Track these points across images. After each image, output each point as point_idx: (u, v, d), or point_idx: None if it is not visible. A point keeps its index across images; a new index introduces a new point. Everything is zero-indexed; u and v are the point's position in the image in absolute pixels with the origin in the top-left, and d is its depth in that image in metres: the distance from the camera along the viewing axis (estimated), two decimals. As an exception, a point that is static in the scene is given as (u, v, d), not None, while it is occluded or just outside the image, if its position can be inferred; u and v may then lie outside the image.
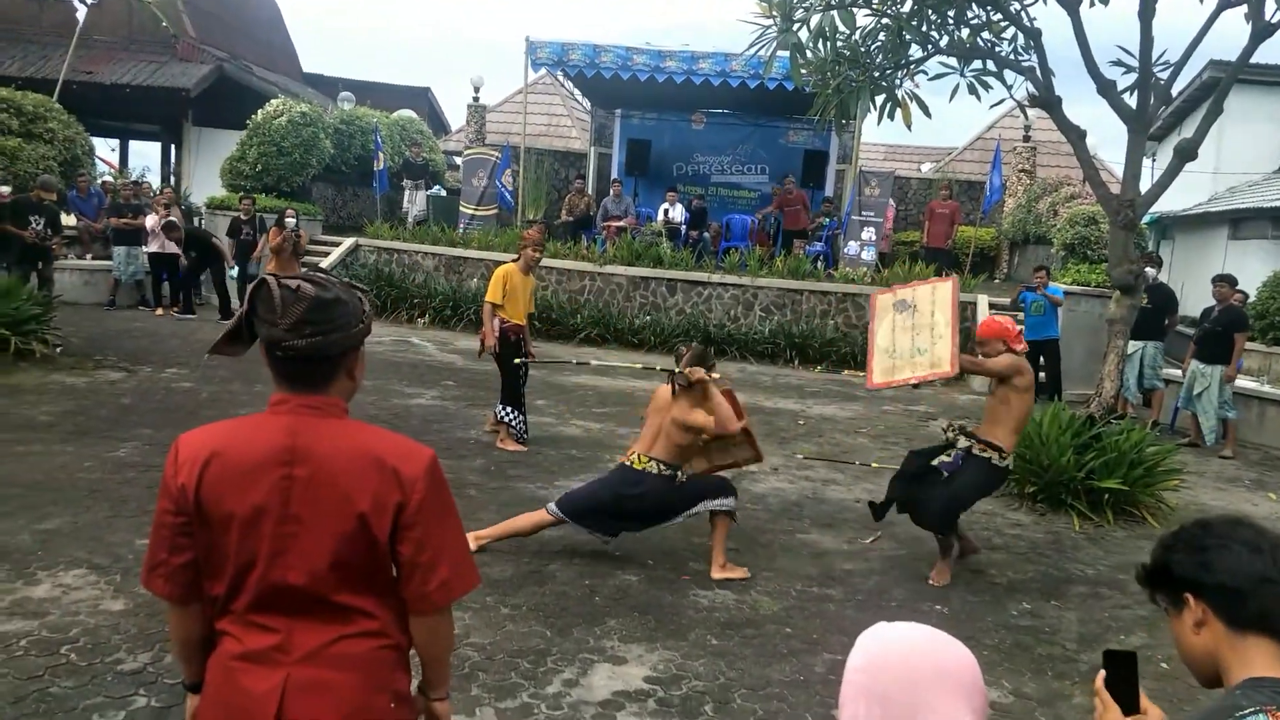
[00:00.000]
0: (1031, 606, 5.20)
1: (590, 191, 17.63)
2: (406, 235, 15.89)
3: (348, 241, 15.75)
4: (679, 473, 5.25)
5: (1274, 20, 6.76)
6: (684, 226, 15.75)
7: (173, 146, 21.27)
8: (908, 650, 1.30)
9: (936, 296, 5.48)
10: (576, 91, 20.51)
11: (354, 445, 1.81)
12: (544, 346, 12.46)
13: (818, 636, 4.59)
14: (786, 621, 4.75)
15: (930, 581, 5.42)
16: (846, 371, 12.90)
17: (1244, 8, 6.98)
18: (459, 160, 18.99)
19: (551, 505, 5.33)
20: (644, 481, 5.18)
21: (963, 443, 5.44)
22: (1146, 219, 10.48)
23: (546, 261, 11.13)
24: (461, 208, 16.76)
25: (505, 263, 7.85)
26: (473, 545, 5.19)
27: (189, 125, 19.87)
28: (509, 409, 7.67)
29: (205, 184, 16.87)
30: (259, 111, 16.58)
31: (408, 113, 22.48)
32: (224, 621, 1.85)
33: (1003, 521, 6.74)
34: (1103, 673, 1.66)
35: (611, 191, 16.54)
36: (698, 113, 18.65)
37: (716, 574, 5.23)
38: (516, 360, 7.61)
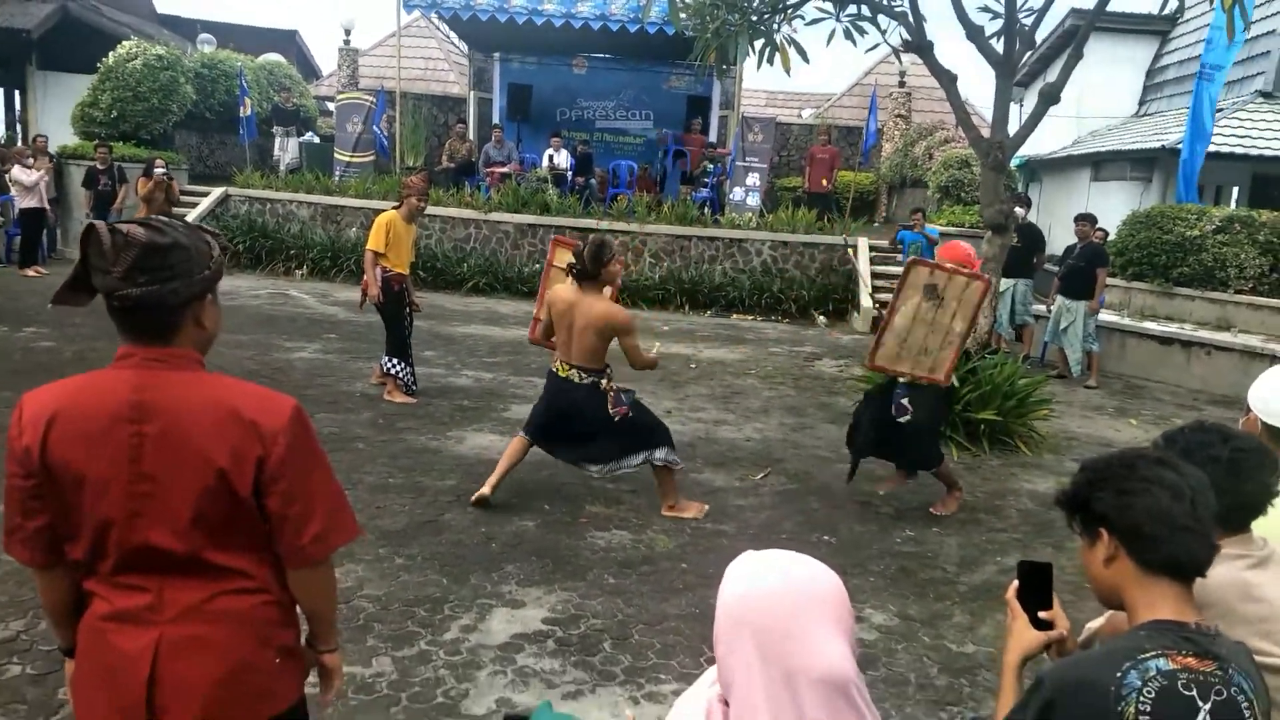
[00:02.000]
0: (914, 533, 5.42)
1: (472, 137, 17.21)
2: (279, 184, 15.22)
3: (216, 191, 14.99)
4: (603, 379, 5.15)
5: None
6: (570, 173, 15.55)
7: (16, 92, 19.75)
8: (780, 578, 1.28)
9: (965, 296, 5.36)
10: (453, 35, 19.89)
11: (208, 398, 1.73)
12: (430, 297, 12.19)
13: (713, 571, 4.65)
14: (682, 558, 4.83)
15: (936, 510, 5.69)
16: (735, 315, 13.07)
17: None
18: (331, 106, 18.24)
19: (521, 430, 5.37)
20: (571, 390, 5.13)
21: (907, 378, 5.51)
22: (1015, 162, 10.87)
23: (429, 209, 10.85)
24: (336, 155, 16.14)
25: (385, 210, 7.61)
26: (486, 492, 5.25)
27: (33, 69, 18.41)
28: (395, 360, 7.49)
29: (55, 132, 15.69)
30: (110, 54, 15.52)
31: (275, 57, 21.39)
32: (92, 582, 1.78)
33: (886, 454, 6.98)
34: (1015, 583, 1.72)
35: (493, 137, 16.18)
36: (579, 57, 18.36)
37: (666, 511, 5.36)
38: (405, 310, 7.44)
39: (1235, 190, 13.53)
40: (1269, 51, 13.50)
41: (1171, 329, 10.66)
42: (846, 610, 1.30)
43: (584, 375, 5.11)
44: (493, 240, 14.13)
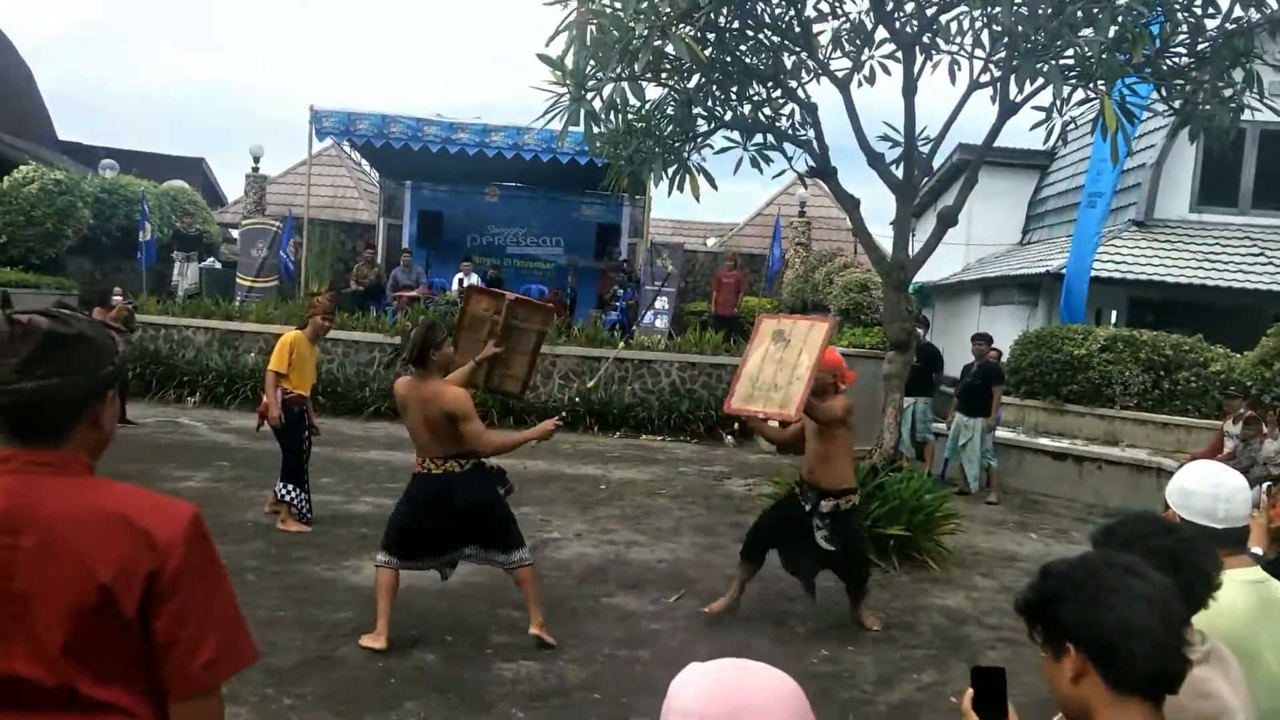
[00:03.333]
0: (830, 653, 5.29)
1: (380, 262, 17.15)
2: (176, 309, 14.76)
3: (115, 298, 14.43)
4: (482, 461, 4.91)
5: (1017, 100, 7.49)
6: (478, 296, 15.55)
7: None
8: (735, 690, 1.18)
9: (809, 337, 5.54)
10: (365, 162, 20.05)
11: (95, 505, 1.54)
12: (329, 422, 11.82)
13: (627, 700, 4.46)
14: (595, 687, 4.59)
15: (872, 628, 5.64)
16: (644, 436, 13.01)
17: (991, 90, 7.71)
18: (235, 233, 18.03)
19: (378, 555, 4.93)
20: (451, 481, 4.78)
21: (825, 506, 5.49)
22: (910, 287, 11.35)
23: (332, 333, 10.63)
24: (239, 279, 15.84)
25: (284, 334, 7.41)
26: (380, 645, 4.78)
27: (-80, 192, 17.83)
28: (290, 487, 7.15)
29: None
30: (4, 178, 15.11)
31: (179, 183, 21.18)
32: None
33: (800, 573, 6.88)
34: (969, 691, 1.59)
35: (401, 261, 16.15)
36: (491, 185, 18.65)
37: (535, 630, 5.00)
38: (305, 434, 7.17)
39: (1114, 313, 14.26)
40: (1140, 184, 14.51)
41: (1064, 444, 10.99)
42: (807, 710, 1.20)
43: (462, 464, 4.81)
44: (398, 364, 13.88)
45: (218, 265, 17.24)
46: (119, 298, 11.86)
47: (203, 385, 13.32)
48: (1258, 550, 2.55)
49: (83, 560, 1.50)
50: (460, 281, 15.60)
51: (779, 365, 5.51)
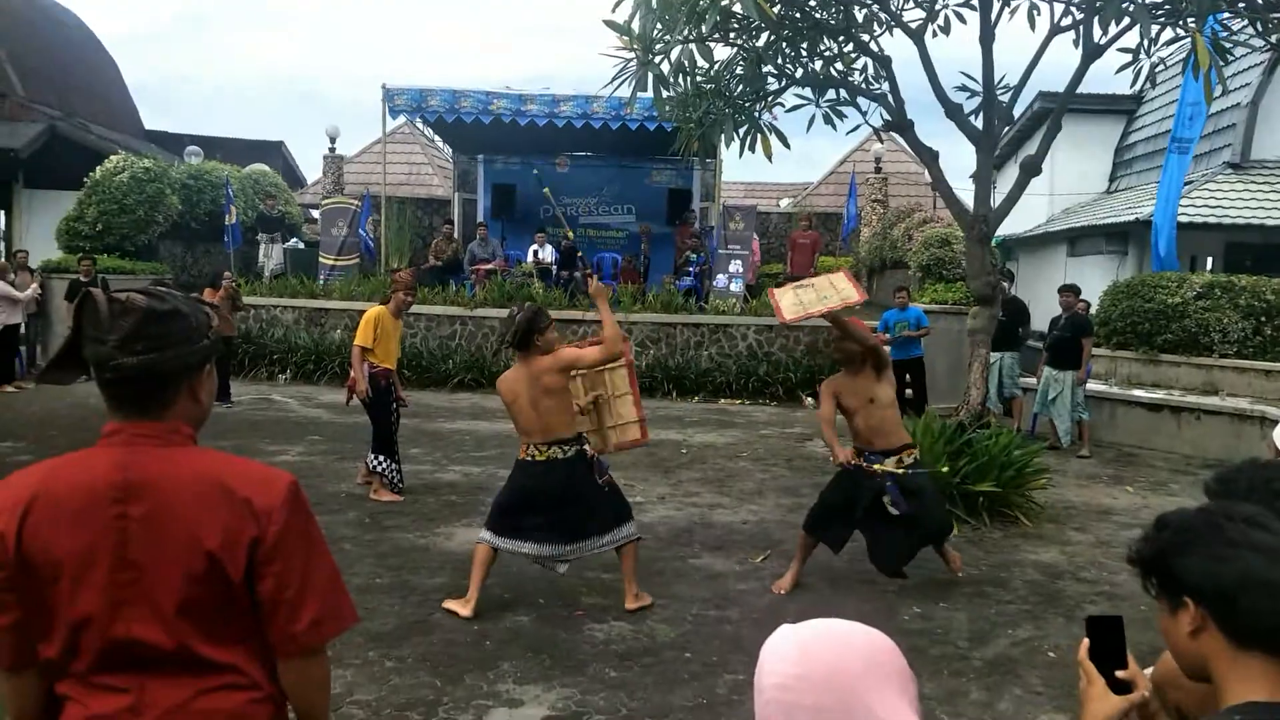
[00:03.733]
0: (921, 610, 5.26)
1: (458, 237, 17.40)
2: (264, 289, 15.25)
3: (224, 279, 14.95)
4: (586, 445, 4.92)
5: (1101, 42, 7.21)
6: (555, 266, 15.68)
7: (1, 211, 19.91)
8: (831, 651, 1.17)
9: (833, 278, 5.74)
10: (437, 138, 20.29)
11: (199, 475, 1.61)
12: (415, 395, 12.10)
13: (717, 658, 4.50)
14: (685, 646, 4.65)
15: (956, 567, 5.63)
16: (723, 400, 13.01)
17: (1073, 33, 7.43)
18: (316, 214, 18.45)
19: (481, 532, 5.05)
20: (554, 471, 4.82)
21: (888, 464, 5.38)
22: (993, 241, 11.03)
23: (414, 308, 10.84)
24: (321, 259, 16.23)
25: (368, 310, 7.59)
26: (466, 612, 4.90)
27: (19, 187, 18.63)
28: (382, 458, 7.35)
29: (39, 247, 15.78)
30: (97, 169, 15.70)
31: (260, 166, 21.73)
32: (65, 685, 1.62)
33: (887, 532, 6.84)
34: (1085, 642, 1.54)
35: (477, 235, 16.34)
36: (561, 156, 18.70)
37: (631, 604, 5.05)
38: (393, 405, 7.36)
39: (1210, 260, 13.70)
40: (1235, 124, 13.86)
41: (1159, 395, 10.64)
42: (907, 675, 1.18)
43: (565, 449, 4.85)
44: (478, 336, 14.12)
45: (301, 245, 17.67)
46: (227, 279, 12.19)
47: (292, 362, 13.74)
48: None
49: (190, 528, 1.57)
50: (535, 253, 15.74)
51: (815, 289, 5.64)
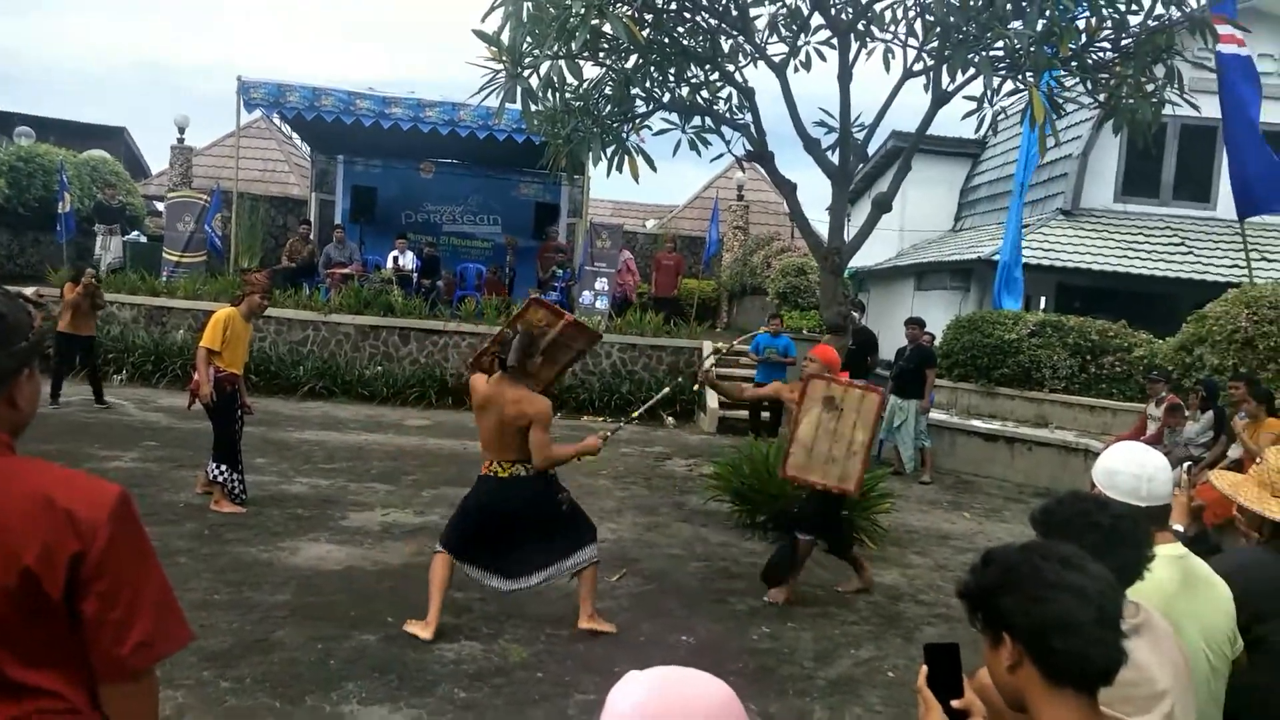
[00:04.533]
0: (770, 629, 5.38)
1: (313, 239, 16.81)
2: (101, 284, 14.30)
3: (27, 291, 13.91)
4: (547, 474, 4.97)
5: (949, 89, 7.63)
6: (415, 274, 15.35)
7: None
8: (664, 704, 1.16)
9: (863, 408, 5.73)
10: (295, 135, 19.58)
11: (16, 486, 1.51)
12: (262, 401, 11.60)
13: (570, 678, 4.48)
14: (537, 667, 4.60)
15: (847, 589, 6.10)
16: (585, 416, 13.01)
17: (924, 78, 7.84)
18: (160, 205, 17.50)
19: (436, 544, 5.01)
20: (518, 488, 4.85)
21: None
22: (846, 272, 11.49)
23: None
24: (165, 254, 15.37)
25: (218, 311, 7.24)
26: (428, 635, 4.75)
27: None
28: (223, 467, 7.00)
29: None
30: (-88, 146, 14.45)
31: (100, 153, 20.47)
32: None
33: (738, 551, 6.98)
34: (924, 669, 1.57)
35: (334, 238, 15.83)
36: (426, 161, 18.37)
37: (585, 624, 5.05)
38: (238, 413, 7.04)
39: (1043, 300, 14.66)
40: (1067, 174, 14.91)
41: (995, 426, 11.29)
42: None
43: (528, 468, 4.86)
44: (331, 342, 13.67)
45: (142, 239, 16.73)
46: (88, 275, 11.24)
47: (129, 363, 12.94)
48: (1179, 527, 2.67)
49: (4, 542, 1.46)
50: (395, 260, 15.37)
51: (834, 437, 5.71)
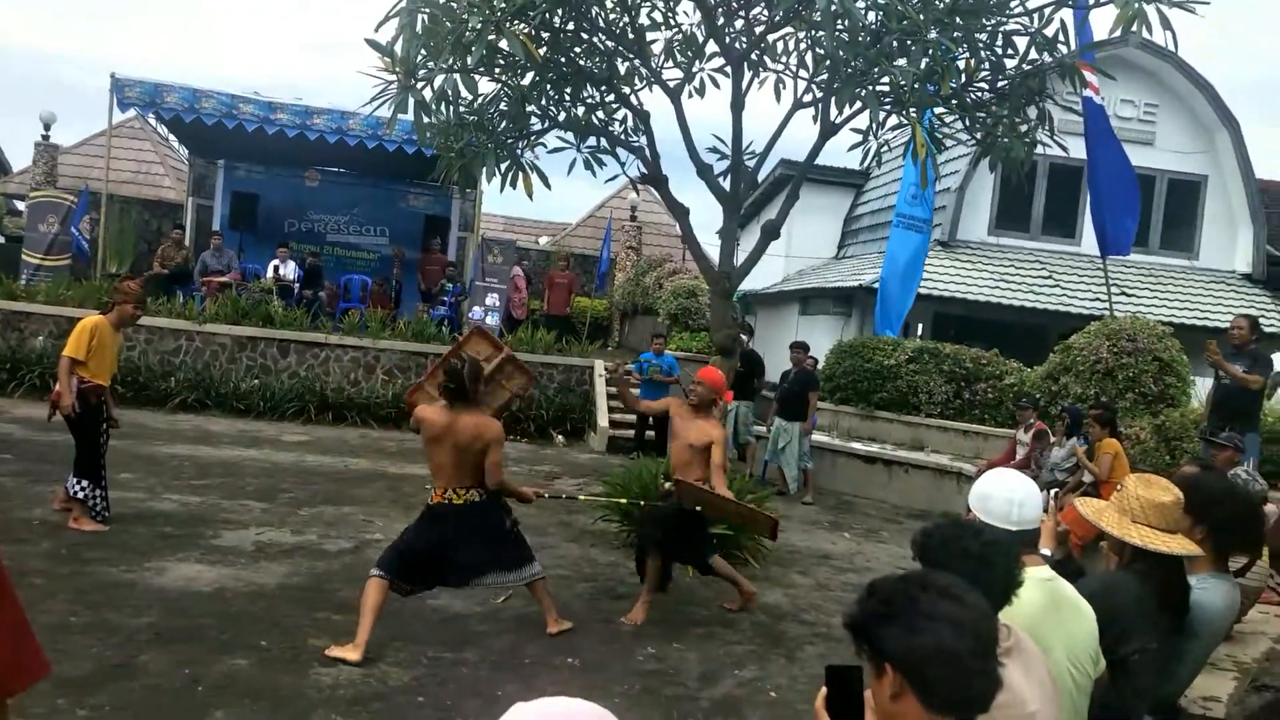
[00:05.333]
0: (655, 650, 5.39)
1: (189, 245, 16.12)
2: (-50, 286, 13.41)
3: None
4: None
5: (836, 121, 7.87)
6: (297, 285, 14.88)
7: None
8: None
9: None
10: (172, 137, 18.78)
11: None
12: (129, 414, 11.06)
13: (451, 702, 4.38)
14: (419, 690, 4.49)
15: (732, 606, 6.20)
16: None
17: (813, 110, 8.07)
18: (21, 205, 16.52)
19: (374, 568, 4.94)
20: (469, 514, 5.00)
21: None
22: (735, 296, 11.69)
23: (135, 318, 9.87)
24: (25, 256, 14.51)
25: (84, 318, 6.86)
26: (356, 657, 4.63)
27: None
28: (85, 482, 6.61)
29: None
30: None
31: (-46, 146, 19.24)
32: None
33: (625, 571, 6.96)
34: (823, 691, 1.58)
35: (211, 244, 15.23)
36: (312, 169, 17.86)
37: (553, 629, 5.34)
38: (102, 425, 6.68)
39: (920, 327, 15.24)
40: (945, 206, 15.56)
41: (874, 449, 11.64)
42: None
43: (481, 493, 5.02)
44: (206, 353, 13.12)
45: (0, 240, 15.74)
46: None
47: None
48: (1047, 551, 2.79)
49: None
50: (275, 269, 14.88)
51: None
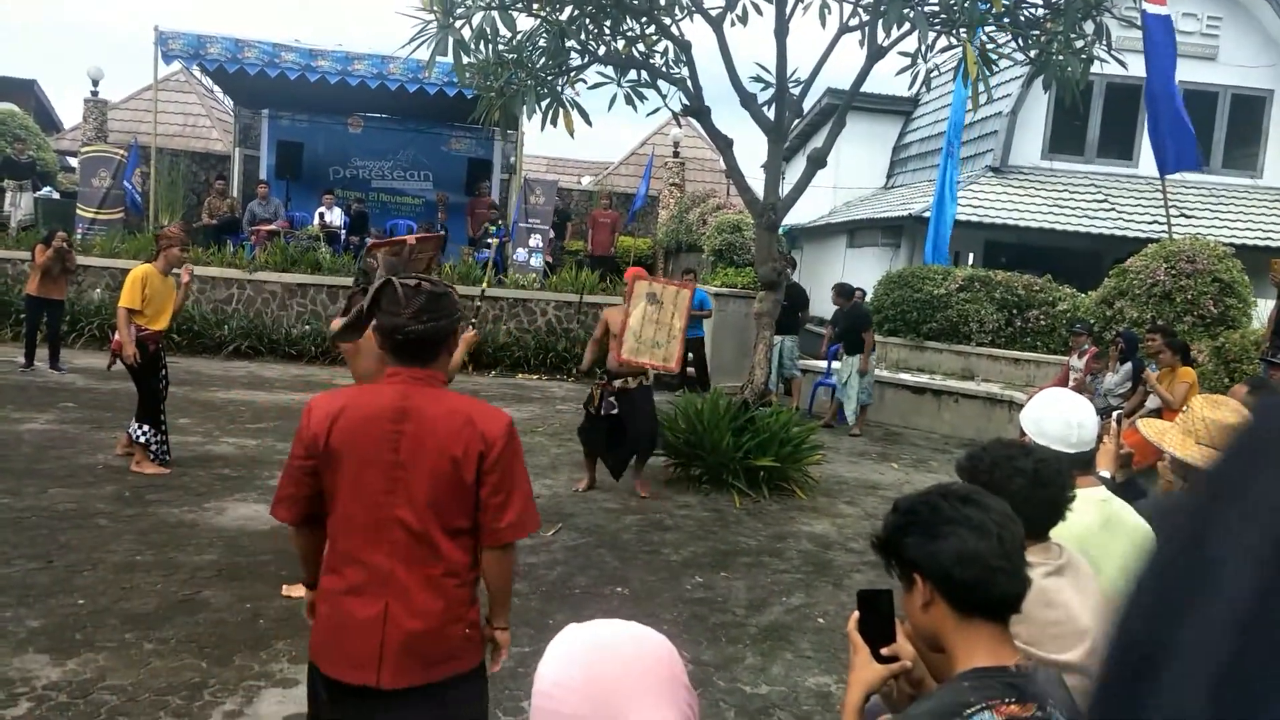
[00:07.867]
0: (703, 579, 5.44)
1: (236, 195, 16.29)
2: (10, 242, 13.72)
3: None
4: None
5: (884, 44, 7.64)
6: (344, 231, 15.00)
7: None
8: (592, 659, 1.16)
9: (678, 300, 7.00)
10: (217, 89, 18.88)
11: (449, 407, 2.28)
12: (184, 362, 11.34)
13: (504, 632, 4.47)
14: (471, 621, 4.58)
15: (645, 494, 7.06)
16: (520, 375, 12.94)
17: (859, 34, 7.84)
18: (74, 162, 16.78)
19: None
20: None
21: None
22: (780, 229, 11.50)
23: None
24: (79, 211, 14.77)
25: (132, 269, 6.99)
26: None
27: None
28: (146, 428, 6.80)
29: None
30: None
31: (9, 106, 19.54)
32: (333, 557, 2.28)
33: (672, 504, 7.03)
34: (855, 614, 1.61)
35: (258, 194, 15.37)
36: (354, 116, 17.88)
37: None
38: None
39: (971, 255, 14.93)
40: (996, 131, 15.12)
41: (923, 379, 11.51)
42: (678, 682, 1.18)
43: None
44: (257, 301, 13.33)
45: (55, 195, 16.03)
46: (60, 237, 10.61)
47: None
48: (1105, 473, 2.73)
49: (442, 442, 2.22)
50: (321, 216, 15.00)
51: (657, 325, 6.90)
